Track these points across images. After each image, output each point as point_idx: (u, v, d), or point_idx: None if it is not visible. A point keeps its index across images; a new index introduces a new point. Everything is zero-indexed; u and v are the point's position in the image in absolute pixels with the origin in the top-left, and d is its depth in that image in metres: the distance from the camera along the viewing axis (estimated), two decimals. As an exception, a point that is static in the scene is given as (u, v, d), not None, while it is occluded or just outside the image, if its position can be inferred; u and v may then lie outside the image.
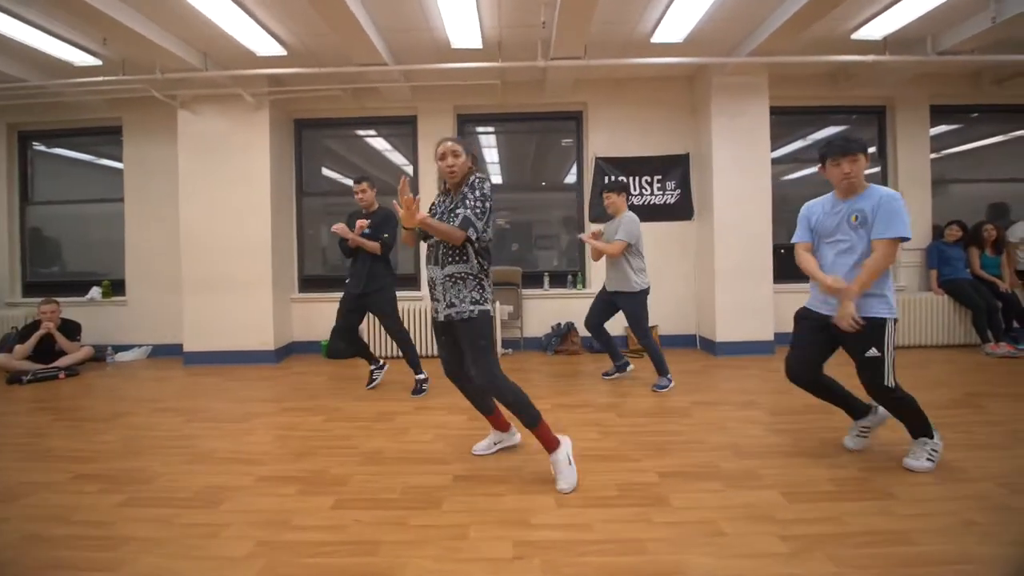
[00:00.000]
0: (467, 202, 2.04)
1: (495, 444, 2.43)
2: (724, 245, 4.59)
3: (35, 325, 4.43)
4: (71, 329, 4.58)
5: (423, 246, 2.24)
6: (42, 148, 5.47)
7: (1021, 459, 2.22)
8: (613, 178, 4.91)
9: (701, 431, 2.68)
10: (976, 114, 5.21)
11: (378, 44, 3.84)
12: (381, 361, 3.78)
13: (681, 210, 5.04)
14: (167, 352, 5.05)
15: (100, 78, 4.24)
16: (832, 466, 2.18)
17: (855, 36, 4.09)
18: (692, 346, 5.02)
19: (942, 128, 5.18)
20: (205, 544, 1.70)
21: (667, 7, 3.63)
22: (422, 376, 3.52)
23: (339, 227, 3.37)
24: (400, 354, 3.59)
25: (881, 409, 2.31)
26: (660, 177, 5.03)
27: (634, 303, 3.44)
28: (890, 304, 2.06)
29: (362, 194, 3.46)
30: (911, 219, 2.06)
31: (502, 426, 2.43)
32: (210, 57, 4.25)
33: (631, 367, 3.85)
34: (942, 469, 2.10)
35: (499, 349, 4.66)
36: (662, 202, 5.03)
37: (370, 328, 4.76)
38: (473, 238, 2.03)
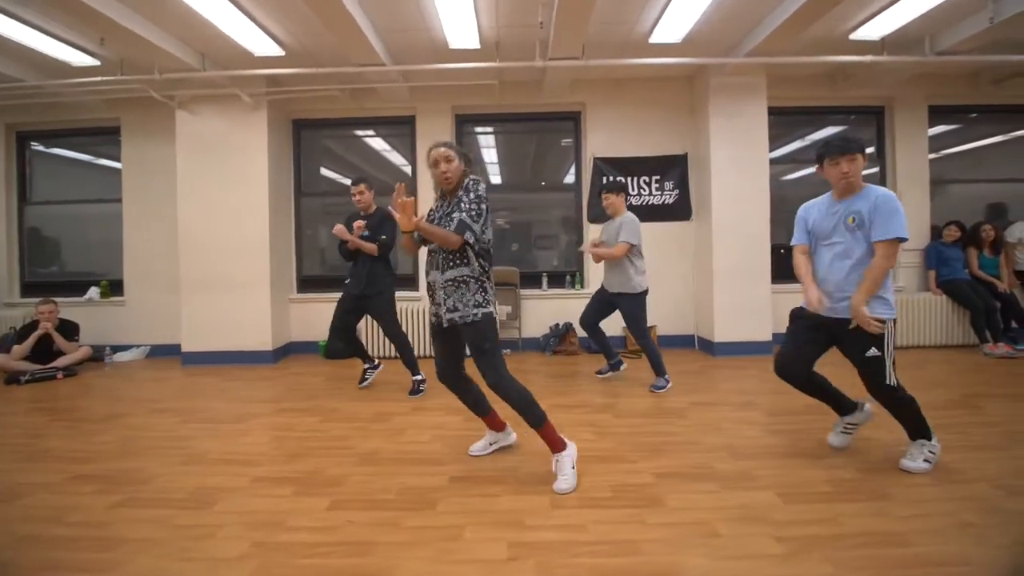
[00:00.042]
0: (462, 205, 2.03)
1: (491, 444, 2.44)
2: (722, 245, 4.59)
3: (33, 325, 4.43)
4: (69, 329, 4.58)
5: (423, 251, 2.22)
6: (40, 148, 5.47)
7: (1018, 461, 2.21)
8: (611, 178, 4.91)
9: (697, 432, 2.68)
10: (974, 114, 5.21)
11: (376, 44, 3.84)
12: (376, 361, 3.78)
13: (679, 210, 5.04)
14: (165, 352, 5.05)
15: (98, 78, 4.24)
16: (828, 467, 2.18)
17: (853, 36, 4.09)
18: (690, 346, 5.02)
19: (940, 128, 5.18)
20: (200, 545, 1.70)
21: (665, 7, 3.63)
22: (419, 377, 3.52)
23: (339, 229, 3.37)
24: (397, 355, 3.58)
25: (867, 406, 2.33)
26: (658, 177, 5.03)
27: (634, 304, 3.45)
28: (890, 304, 2.07)
29: (360, 195, 3.45)
30: (909, 220, 2.07)
31: (498, 426, 2.43)
32: (208, 57, 4.25)
33: (624, 366, 3.86)
34: (938, 470, 2.10)
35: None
36: (660, 202, 5.03)
37: (369, 329, 4.76)
38: (471, 241, 2.02)
